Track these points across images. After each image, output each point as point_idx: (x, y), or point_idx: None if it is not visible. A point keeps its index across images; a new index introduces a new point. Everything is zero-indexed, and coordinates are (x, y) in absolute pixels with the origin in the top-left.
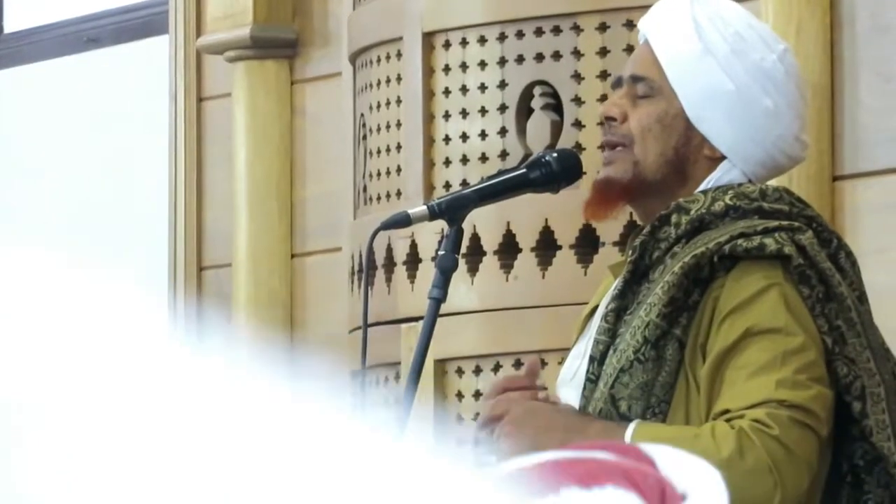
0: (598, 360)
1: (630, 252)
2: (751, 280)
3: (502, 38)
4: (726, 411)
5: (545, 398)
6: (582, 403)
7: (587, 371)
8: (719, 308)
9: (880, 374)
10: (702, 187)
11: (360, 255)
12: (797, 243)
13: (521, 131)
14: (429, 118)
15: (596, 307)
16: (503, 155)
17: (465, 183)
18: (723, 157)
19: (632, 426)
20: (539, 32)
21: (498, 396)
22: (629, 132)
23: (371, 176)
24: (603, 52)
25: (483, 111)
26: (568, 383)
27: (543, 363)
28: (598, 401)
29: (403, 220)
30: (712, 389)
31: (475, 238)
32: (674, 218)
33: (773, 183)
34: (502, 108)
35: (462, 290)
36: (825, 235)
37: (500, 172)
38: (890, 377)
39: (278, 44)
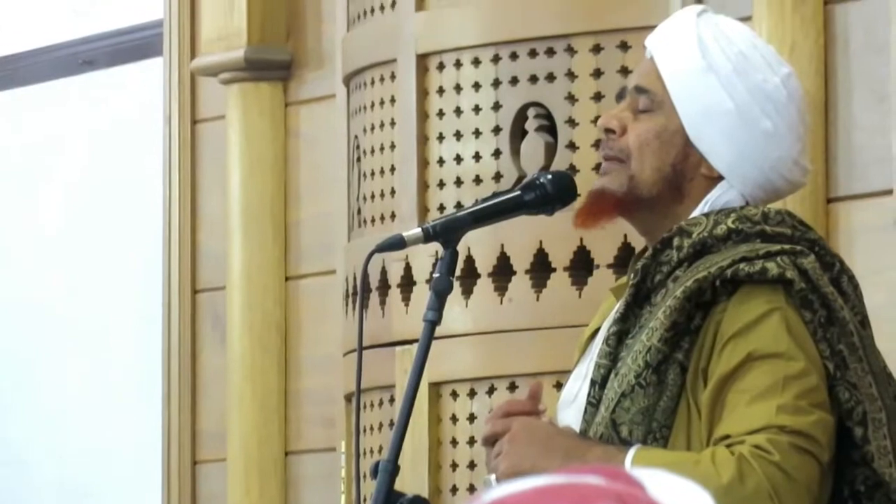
0: (599, 383)
1: (632, 275)
2: (753, 304)
3: (496, 59)
4: (727, 436)
5: (548, 421)
6: (583, 427)
7: (588, 394)
8: (721, 332)
9: (882, 399)
10: (699, 207)
11: (355, 278)
12: (799, 267)
13: (516, 153)
14: (423, 140)
15: (597, 329)
16: (497, 177)
17: (459, 205)
18: (720, 177)
19: (632, 451)
20: (533, 54)
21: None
22: (627, 146)
23: (365, 198)
24: (597, 73)
25: (477, 133)
26: (569, 406)
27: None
28: (599, 425)
29: (398, 243)
30: (713, 414)
31: (470, 260)
32: (676, 241)
33: (775, 205)
34: (496, 129)
35: (456, 313)
36: (827, 259)
37: (495, 194)
38: (891, 402)
39: (272, 66)
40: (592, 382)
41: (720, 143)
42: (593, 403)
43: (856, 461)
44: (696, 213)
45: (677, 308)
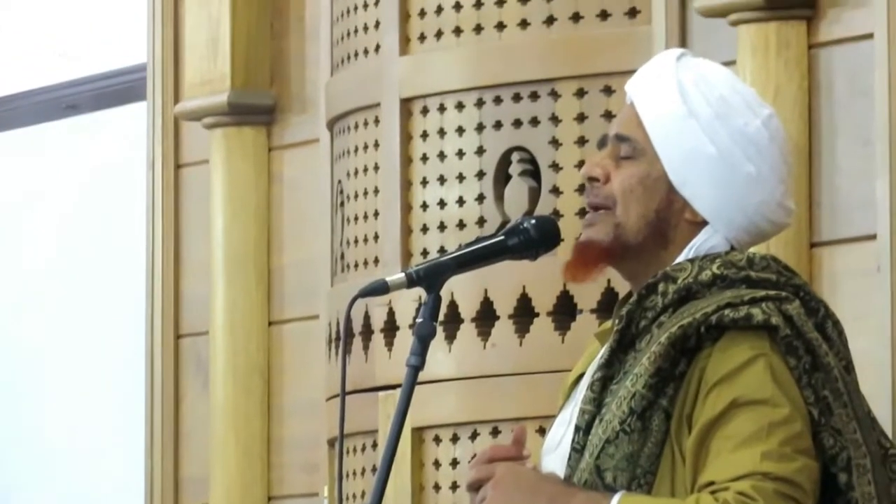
0: (583, 429)
1: (617, 321)
2: (738, 350)
3: (480, 103)
4: (711, 483)
5: (533, 467)
6: (567, 473)
7: (573, 440)
8: (706, 378)
9: (866, 444)
10: (684, 253)
11: (338, 323)
12: (784, 313)
13: (499, 198)
14: (406, 185)
15: (582, 374)
16: (481, 222)
17: (442, 250)
18: (705, 222)
19: (617, 497)
20: (517, 98)
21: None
22: (611, 193)
23: (349, 243)
24: (580, 117)
25: (461, 177)
26: (553, 451)
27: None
28: (583, 471)
29: (381, 288)
30: (698, 460)
31: (453, 305)
32: (661, 287)
33: (759, 249)
34: (480, 174)
35: (440, 358)
36: (812, 304)
37: (478, 239)
38: (876, 447)
39: (256, 110)
40: (577, 428)
41: (704, 188)
42: (578, 449)
43: None
44: (681, 258)
45: (662, 354)
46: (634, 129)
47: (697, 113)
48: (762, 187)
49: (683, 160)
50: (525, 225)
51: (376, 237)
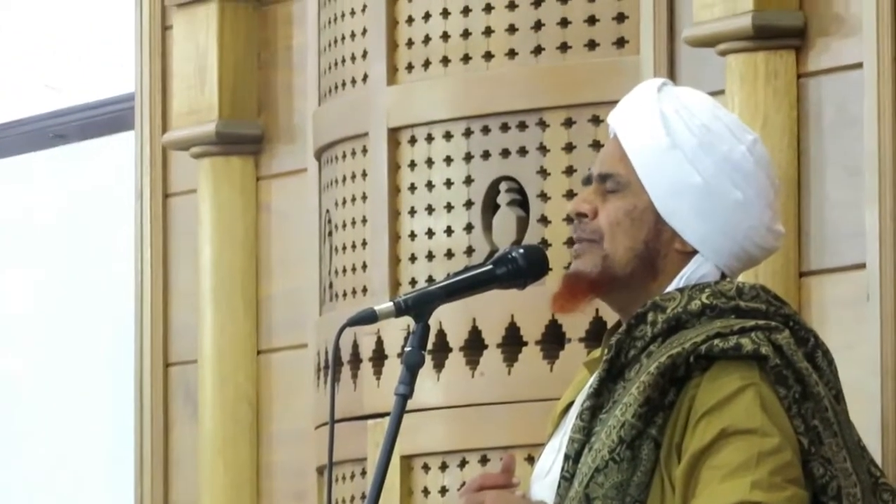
0: (572, 457)
1: (606, 350)
2: (727, 380)
3: (468, 133)
4: None
5: (522, 495)
6: (556, 501)
7: (562, 469)
8: (695, 408)
9: (856, 473)
10: (675, 283)
11: (327, 352)
12: (774, 343)
13: (487, 227)
14: (394, 214)
15: (571, 402)
16: (469, 251)
17: (430, 279)
18: (694, 251)
19: None
20: (505, 128)
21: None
22: (599, 227)
23: (337, 272)
24: (569, 147)
25: (449, 207)
26: (542, 479)
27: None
28: (572, 499)
29: (370, 317)
30: (687, 490)
31: (441, 334)
32: (650, 316)
33: (748, 278)
34: (468, 203)
35: (428, 387)
36: (802, 334)
37: (467, 269)
38: (866, 476)
39: (244, 140)
40: (566, 456)
41: (691, 218)
42: (567, 478)
43: None
44: (671, 287)
45: (651, 384)
46: (618, 163)
47: (681, 143)
48: (750, 213)
49: (670, 191)
50: (513, 254)
51: (364, 266)
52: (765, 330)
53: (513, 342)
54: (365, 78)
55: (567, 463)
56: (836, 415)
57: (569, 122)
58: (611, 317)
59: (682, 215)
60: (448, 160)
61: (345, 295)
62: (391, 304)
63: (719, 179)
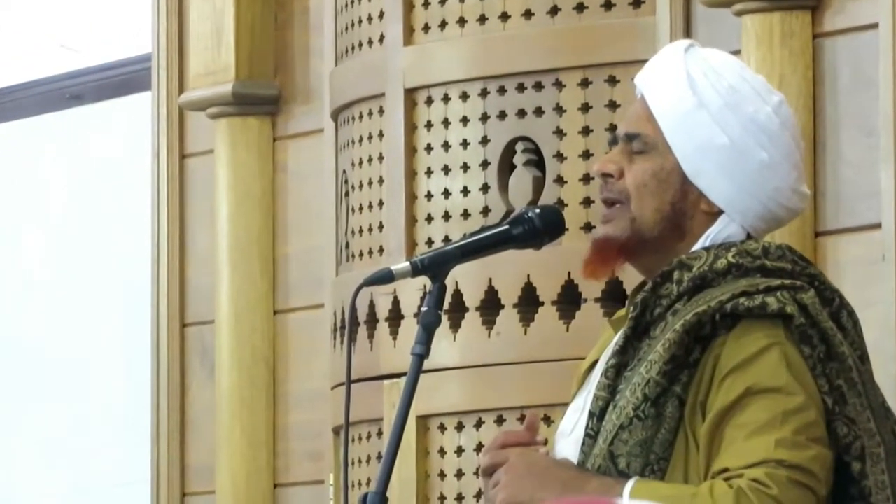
0: (597, 415)
1: (632, 308)
2: (752, 339)
3: (484, 93)
4: (725, 470)
5: (546, 453)
6: (580, 458)
7: (586, 426)
8: (720, 366)
9: (880, 434)
10: (700, 242)
11: (343, 312)
12: (799, 302)
13: (504, 187)
14: (411, 174)
15: (596, 361)
16: (485, 211)
17: (447, 239)
18: (720, 212)
19: (630, 483)
20: (521, 88)
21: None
22: (625, 188)
23: (353, 232)
24: (585, 107)
25: (465, 167)
26: (566, 437)
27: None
28: (596, 457)
29: (386, 277)
30: (711, 448)
31: (457, 294)
32: (676, 275)
33: (765, 239)
34: (484, 164)
35: (444, 347)
36: (827, 294)
37: (483, 229)
38: (890, 437)
39: (260, 100)
40: (591, 414)
41: (718, 178)
42: (591, 435)
43: (853, 496)
44: (696, 247)
45: (676, 341)
46: (645, 123)
47: (708, 104)
48: (776, 174)
49: (696, 152)
50: (529, 214)
51: (381, 227)
52: (790, 289)
53: (529, 302)
54: (381, 39)
55: (591, 420)
56: (860, 375)
57: (585, 83)
58: (627, 277)
59: (709, 175)
60: (464, 120)
61: (361, 255)
62: (407, 264)
63: (745, 140)
